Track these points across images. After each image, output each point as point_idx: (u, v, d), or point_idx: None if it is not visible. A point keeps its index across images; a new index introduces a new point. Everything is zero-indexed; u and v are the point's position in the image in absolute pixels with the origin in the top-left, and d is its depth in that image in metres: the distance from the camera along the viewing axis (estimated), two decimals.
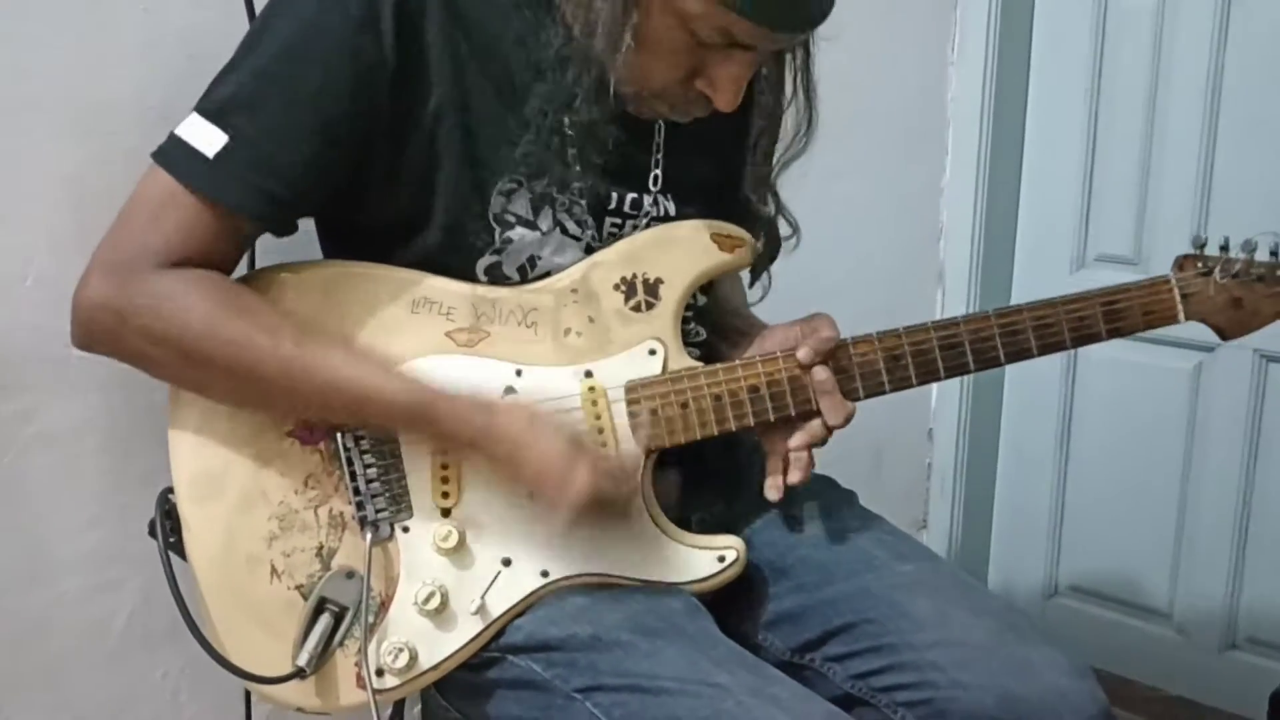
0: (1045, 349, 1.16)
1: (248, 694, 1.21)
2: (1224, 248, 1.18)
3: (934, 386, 2.37)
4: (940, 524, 2.44)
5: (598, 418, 1.09)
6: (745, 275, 1.30)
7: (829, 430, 1.13)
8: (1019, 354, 1.15)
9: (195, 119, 1.01)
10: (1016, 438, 2.44)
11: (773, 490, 1.14)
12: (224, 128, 1.00)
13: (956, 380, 2.24)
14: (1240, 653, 2.21)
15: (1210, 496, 2.19)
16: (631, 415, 1.09)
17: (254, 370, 1.00)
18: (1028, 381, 2.38)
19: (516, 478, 1.03)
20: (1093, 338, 1.17)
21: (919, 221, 2.34)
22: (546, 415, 1.04)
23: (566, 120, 1.06)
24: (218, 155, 0.99)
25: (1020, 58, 2.29)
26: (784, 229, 1.23)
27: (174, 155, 1.01)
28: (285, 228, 1.08)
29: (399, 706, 1.33)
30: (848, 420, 1.12)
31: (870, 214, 2.21)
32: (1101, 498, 2.33)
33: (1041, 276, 2.30)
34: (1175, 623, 2.27)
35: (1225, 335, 1.20)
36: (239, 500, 1.04)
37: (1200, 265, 1.18)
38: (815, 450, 1.15)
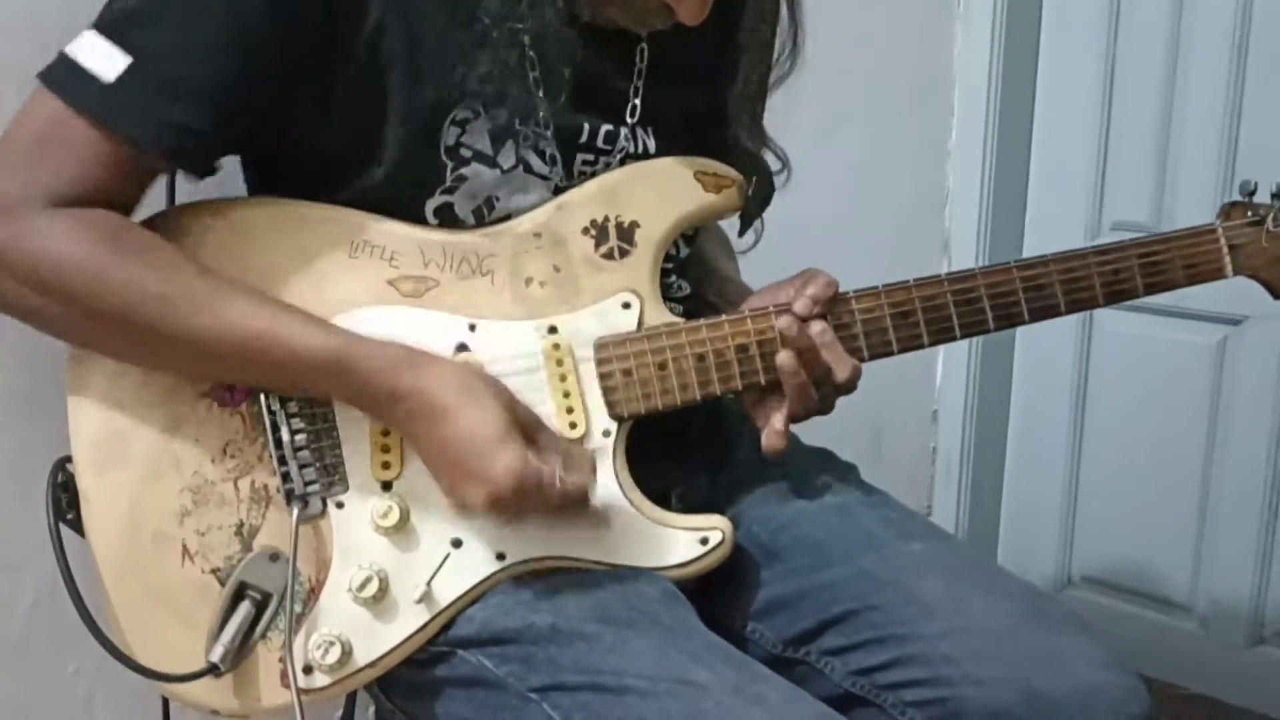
0: (1074, 305, 1.08)
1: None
2: (1276, 195, 1.11)
3: (939, 363, 2.34)
4: (946, 511, 2.38)
5: (563, 379, 1.00)
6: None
7: (833, 389, 1.04)
8: (1044, 311, 1.08)
9: (92, 37, 0.91)
10: (1027, 419, 2.39)
11: (775, 436, 1.04)
12: (126, 47, 0.90)
13: (963, 358, 2.30)
14: (1268, 648, 2.16)
15: (1236, 481, 2.12)
16: (602, 377, 1.00)
17: (147, 321, 0.90)
18: (1039, 359, 2.33)
19: (429, 456, 0.94)
20: (1127, 293, 1.09)
21: (922, 186, 2.28)
22: (488, 385, 0.94)
23: (527, 40, 0.96)
24: (119, 79, 0.89)
25: (1031, 10, 2.23)
26: (771, 163, 1.15)
27: (66, 78, 0.91)
28: (202, 166, 0.98)
29: (350, 707, 1.24)
30: (854, 377, 1.03)
31: (870, 179, 2.14)
32: (1118, 483, 2.27)
33: (1053, 245, 2.13)
34: (1198, 616, 2.22)
35: (1277, 293, 1.13)
36: (146, 469, 0.95)
37: (1250, 214, 1.11)
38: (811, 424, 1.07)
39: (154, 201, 0.99)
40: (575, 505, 0.94)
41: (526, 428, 0.92)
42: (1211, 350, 2.13)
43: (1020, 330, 2.29)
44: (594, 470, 0.95)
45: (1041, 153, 2.29)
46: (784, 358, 1.01)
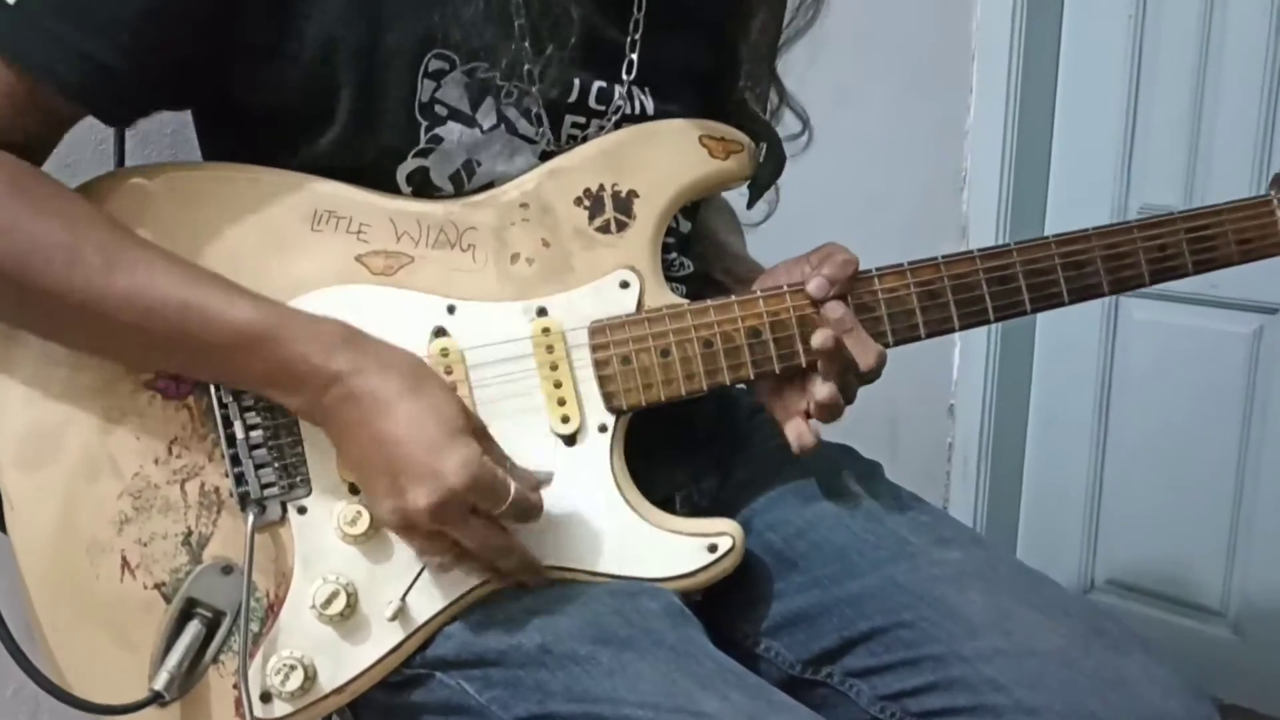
0: (1118, 285, 1.03)
1: None
2: None
3: (955, 354, 2.31)
4: (962, 511, 2.35)
5: (554, 367, 0.93)
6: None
7: (856, 378, 0.98)
8: (1086, 291, 1.02)
9: None
10: (1048, 413, 2.36)
11: (801, 436, 0.98)
12: None
13: (981, 349, 2.28)
14: None
15: (1272, 478, 2.08)
16: (597, 365, 0.93)
17: (47, 276, 0.82)
18: (1061, 349, 2.30)
19: (358, 453, 0.86)
20: (1176, 270, 1.04)
21: (939, 168, 2.25)
22: (438, 378, 0.87)
23: None
24: (21, 1, 0.83)
25: None
26: (793, 125, 1.09)
27: None
28: (116, 110, 0.91)
29: None
30: (880, 363, 0.97)
31: (882, 160, 2.11)
32: (1146, 480, 2.24)
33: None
34: (1231, 621, 2.19)
35: None
36: (80, 470, 0.88)
37: None
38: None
39: (100, 165, 0.94)
40: (520, 525, 0.87)
41: (477, 431, 0.86)
42: (1246, 340, 2.10)
43: (1041, 319, 2.28)
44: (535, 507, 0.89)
45: (1065, 132, 2.25)
46: (822, 338, 0.95)
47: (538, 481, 0.88)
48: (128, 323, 0.83)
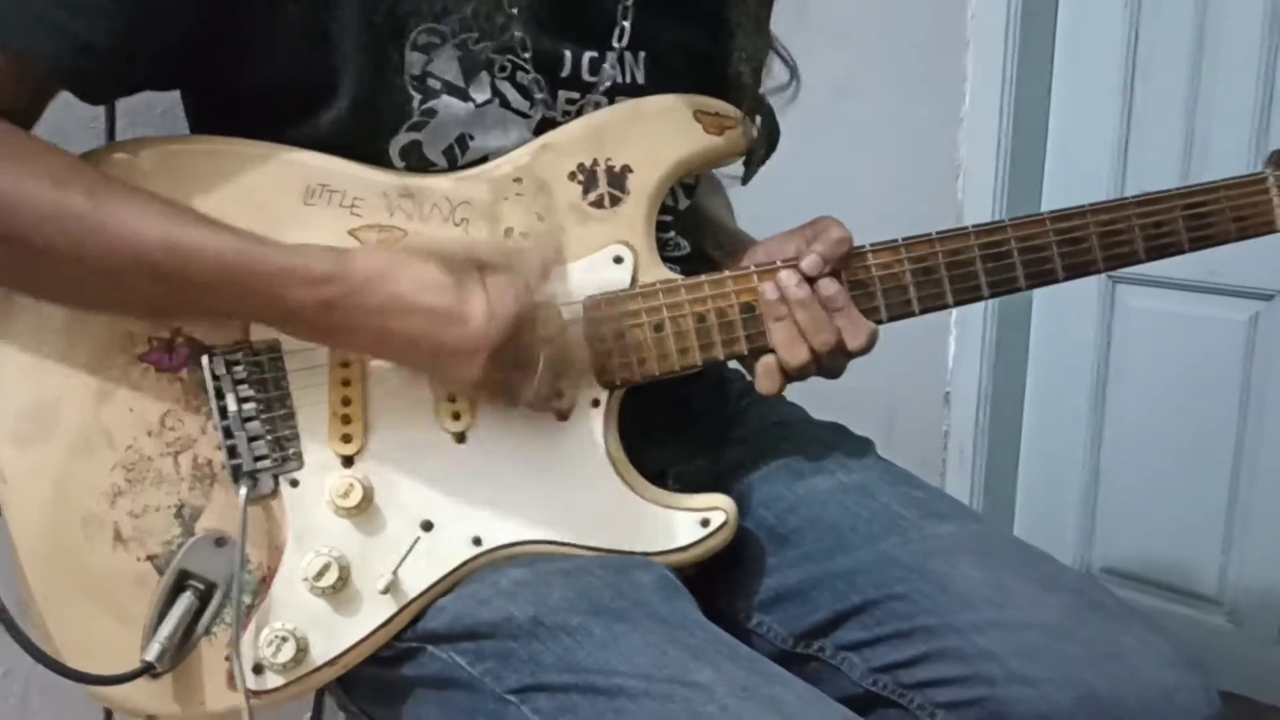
0: (1113, 261, 1.02)
1: None
2: None
3: (951, 341, 2.29)
4: (958, 498, 2.32)
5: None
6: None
7: (844, 355, 0.97)
8: (1081, 268, 1.02)
9: None
10: (1044, 401, 2.35)
11: (767, 379, 0.96)
12: None
13: (976, 336, 2.26)
14: None
15: (1269, 466, 2.07)
16: (591, 339, 0.93)
17: (28, 231, 0.80)
18: (1057, 337, 2.28)
19: (396, 344, 0.85)
20: (1171, 248, 1.04)
21: (934, 157, 2.24)
22: (416, 257, 0.86)
23: None
24: None
25: None
26: (781, 75, 1.08)
27: None
28: (101, 91, 0.90)
29: (318, 708, 1.19)
30: (871, 342, 0.96)
31: (878, 149, 2.10)
32: (1142, 468, 2.23)
33: None
34: (1227, 610, 2.18)
35: None
36: (73, 443, 0.86)
37: None
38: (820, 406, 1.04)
39: (89, 141, 0.91)
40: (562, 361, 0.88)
41: (476, 256, 0.86)
42: (1243, 327, 2.08)
43: (1037, 306, 2.28)
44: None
45: (1060, 119, 2.24)
46: (777, 330, 0.95)
47: (544, 261, 0.88)
48: (116, 268, 0.81)
